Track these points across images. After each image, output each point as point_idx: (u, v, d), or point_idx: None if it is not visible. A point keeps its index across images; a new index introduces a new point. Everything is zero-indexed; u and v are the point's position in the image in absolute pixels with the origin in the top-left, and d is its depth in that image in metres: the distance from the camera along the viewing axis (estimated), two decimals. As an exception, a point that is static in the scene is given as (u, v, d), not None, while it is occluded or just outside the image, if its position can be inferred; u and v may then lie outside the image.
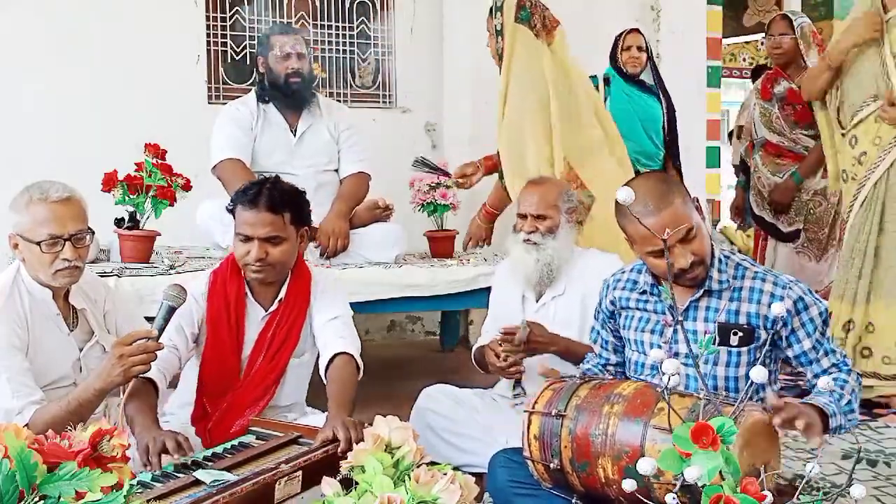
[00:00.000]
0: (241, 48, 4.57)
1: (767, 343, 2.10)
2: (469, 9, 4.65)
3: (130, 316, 2.57)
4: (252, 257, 2.37)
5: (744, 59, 8.38)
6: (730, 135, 5.56)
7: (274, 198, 2.39)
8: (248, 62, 4.57)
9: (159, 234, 3.32)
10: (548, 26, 3.38)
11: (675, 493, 1.46)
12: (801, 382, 3.47)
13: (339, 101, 3.82)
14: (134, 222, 3.24)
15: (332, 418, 2.15)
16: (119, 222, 3.27)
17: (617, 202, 1.75)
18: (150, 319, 2.39)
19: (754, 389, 1.94)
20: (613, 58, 4.23)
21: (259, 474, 1.89)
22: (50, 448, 1.52)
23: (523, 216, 2.78)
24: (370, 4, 4.84)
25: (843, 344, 3.38)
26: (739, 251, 3.32)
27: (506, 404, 2.82)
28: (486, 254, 3.87)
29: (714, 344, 2.08)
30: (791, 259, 4.28)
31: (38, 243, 2.25)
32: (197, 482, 1.86)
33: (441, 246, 3.78)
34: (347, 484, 1.80)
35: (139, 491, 1.73)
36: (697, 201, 2.20)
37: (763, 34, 5.24)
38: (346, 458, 1.86)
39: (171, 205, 3.20)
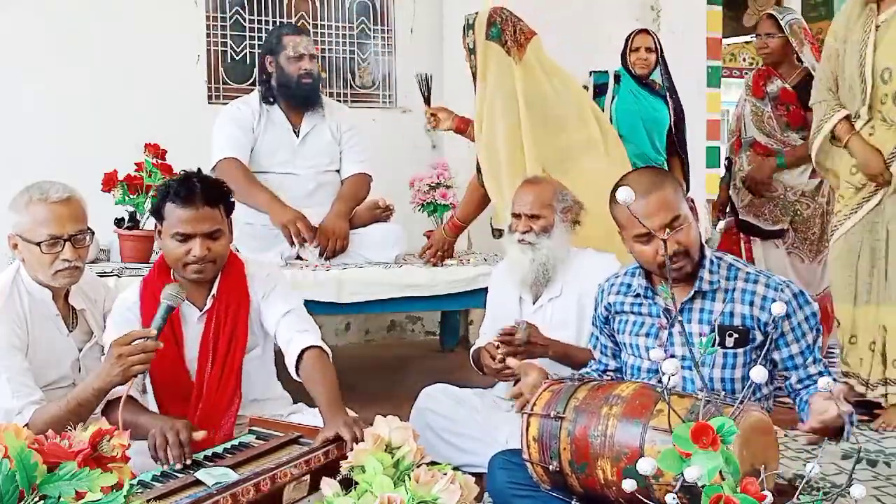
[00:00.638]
0: (241, 48, 4.57)
1: (760, 343, 2.09)
2: (469, 9, 4.64)
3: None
4: (195, 255, 2.29)
5: (744, 59, 8.38)
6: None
7: (209, 191, 2.32)
8: (248, 62, 4.57)
9: (159, 234, 3.32)
10: (519, 40, 3.35)
11: (675, 494, 1.46)
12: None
13: (339, 101, 3.82)
14: (134, 222, 3.24)
15: (331, 418, 2.14)
16: (119, 222, 3.27)
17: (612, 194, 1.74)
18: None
19: (752, 389, 1.94)
20: (623, 58, 4.22)
21: (259, 474, 1.89)
22: (50, 448, 1.52)
23: (518, 216, 2.78)
24: (370, 4, 4.84)
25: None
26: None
27: (505, 405, 2.82)
28: (486, 254, 3.87)
29: (714, 345, 2.08)
30: (783, 260, 4.20)
31: (38, 244, 2.25)
32: (197, 482, 1.86)
33: (441, 246, 3.78)
34: (347, 484, 1.80)
35: (139, 491, 1.73)
36: (692, 202, 2.19)
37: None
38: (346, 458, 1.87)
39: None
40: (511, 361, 2.56)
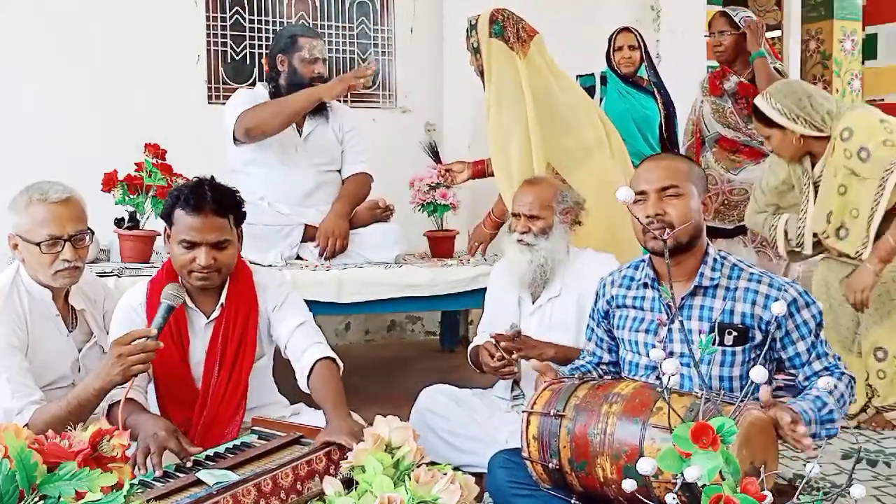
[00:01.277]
0: (241, 48, 4.57)
1: (762, 343, 2.09)
2: (469, 9, 4.64)
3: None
4: (200, 264, 2.28)
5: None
6: None
7: (219, 200, 2.31)
8: (248, 62, 4.57)
9: (159, 234, 3.30)
10: (522, 37, 3.38)
11: (676, 493, 1.46)
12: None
13: (339, 100, 3.81)
14: (134, 222, 3.24)
15: (334, 424, 2.13)
16: (119, 222, 3.27)
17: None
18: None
19: (750, 387, 1.94)
20: (608, 58, 4.23)
21: (260, 474, 1.89)
22: (50, 448, 1.52)
23: (517, 216, 2.78)
24: (370, 4, 4.84)
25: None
26: None
27: (505, 405, 2.82)
28: (486, 254, 3.87)
29: (714, 344, 2.08)
30: (751, 259, 4.17)
31: (38, 244, 2.25)
32: (198, 482, 1.85)
33: (441, 246, 3.78)
34: (347, 484, 1.80)
35: (139, 491, 1.73)
36: (709, 200, 2.19)
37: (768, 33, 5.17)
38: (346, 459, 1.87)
39: (171, 204, 3.20)
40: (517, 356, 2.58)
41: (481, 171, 3.74)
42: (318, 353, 2.35)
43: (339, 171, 3.69)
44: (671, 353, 2.12)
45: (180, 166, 3.26)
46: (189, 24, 4.42)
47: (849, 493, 1.43)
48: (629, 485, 1.49)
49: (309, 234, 3.48)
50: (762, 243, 4.11)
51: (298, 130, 3.58)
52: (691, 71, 5.25)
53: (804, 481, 1.59)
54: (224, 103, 3.97)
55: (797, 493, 1.52)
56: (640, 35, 4.23)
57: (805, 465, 1.55)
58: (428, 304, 3.70)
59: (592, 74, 4.26)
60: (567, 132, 3.37)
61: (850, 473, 1.57)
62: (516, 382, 2.81)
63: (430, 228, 3.83)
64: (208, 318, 2.40)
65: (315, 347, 2.37)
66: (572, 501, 2.00)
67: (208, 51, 4.49)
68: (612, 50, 4.20)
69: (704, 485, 1.38)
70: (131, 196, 3.16)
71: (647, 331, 2.22)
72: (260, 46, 4.58)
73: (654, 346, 2.14)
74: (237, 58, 4.56)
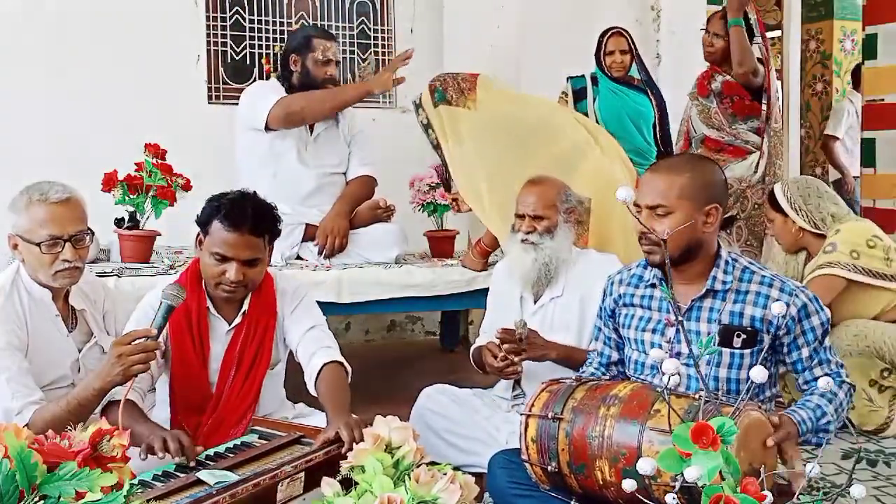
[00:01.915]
0: (241, 48, 4.57)
1: (769, 346, 2.10)
2: (469, 9, 4.65)
3: (130, 316, 2.56)
4: (229, 279, 2.30)
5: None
6: None
7: (258, 221, 2.32)
8: (248, 62, 4.57)
9: (159, 234, 3.32)
10: (465, 89, 3.44)
11: (675, 494, 1.46)
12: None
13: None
14: (134, 222, 3.24)
15: (334, 419, 2.14)
16: (119, 222, 3.27)
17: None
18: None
19: (754, 390, 1.94)
20: (598, 59, 4.22)
21: (261, 474, 1.89)
22: (50, 448, 1.52)
23: (521, 216, 2.78)
24: (370, 4, 4.84)
25: None
26: None
27: (505, 405, 2.82)
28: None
29: (714, 345, 2.08)
30: None
31: (38, 244, 2.25)
32: (198, 482, 1.85)
33: (441, 246, 3.78)
34: (347, 484, 1.80)
35: (139, 491, 1.73)
36: (717, 209, 2.15)
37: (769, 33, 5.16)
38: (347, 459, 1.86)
39: (171, 205, 3.20)
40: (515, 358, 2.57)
41: None
42: (325, 357, 2.36)
43: (345, 173, 3.69)
44: (678, 354, 2.12)
45: (180, 166, 3.26)
46: (189, 24, 4.42)
47: (849, 493, 1.43)
48: (629, 484, 1.49)
49: (310, 233, 3.49)
50: (747, 241, 4.14)
51: (309, 129, 3.58)
52: (691, 71, 5.24)
53: (804, 481, 1.59)
54: (224, 103, 3.99)
55: (797, 493, 1.52)
56: (630, 38, 4.20)
57: (805, 465, 1.56)
58: (428, 304, 3.70)
59: (583, 76, 4.25)
60: (550, 141, 3.39)
61: (850, 473, 1.57)
62: (517, 382, 2.80)
63: (430, 228, 3.83)
64: (230, 325, 2.41)
65: (323, 351, 2.38)
66: (572, 503, 2.00)
67: (208, 51, 4.49)
68: (602, 53, 4.19)
69: (704, 485, 1.38)
70: (131, 196, 3.16)
71: (653, 330, 2.22)
72: (260, 46, 4.59)
73: (660, 347, 2.14)
74: (237, 58, 4.57)
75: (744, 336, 2.10)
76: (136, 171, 3.19)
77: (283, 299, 2.48)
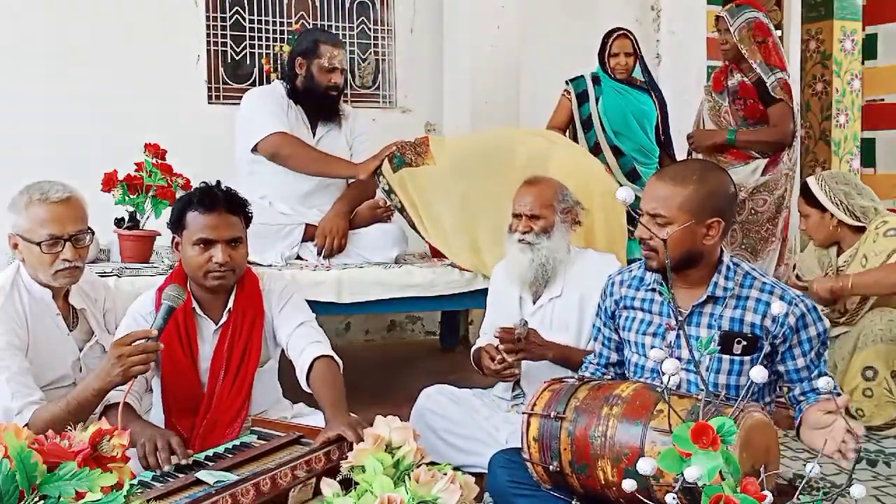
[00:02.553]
0: (241, 48, 4.57)
1: (766, 353, 2.08)
2: (469, 9, 4.65)
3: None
4: (217, 261, 2.32)
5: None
6: None
7: (231, 199, 2.39)
8: (248, 62, 4.57)
9: (159, 234, 3.31)
10: (420, 150, 3.47)
11: (675, 494, 1.46)
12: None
13: (344, 101, 3.80)
14: (134, 222, 3.24)
15: (333, 419, 2.14)
16: (119, 222, 3.26)
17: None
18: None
19: (756, 397, 1.94)
20: (602, 59, 4.21)
21: (260, 474, 1.88)
22: (50, 448, 1.52)
23: (518, 216, 2.78)
24: (370, 4, 4.84)
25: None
26: None
27: (505, 405, 2.82)
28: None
29: (714, 345, 2.07)
30: None
31: (38, 244, 2.25)
32: (197, 482, 1.85)
33: (441, 246, 3.78)
34: (347, 484, 1.80)
35: (139, 491, 1.73)
36: (720, 220, 2.11)
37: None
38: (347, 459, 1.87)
39: (171, 205, 3.19)
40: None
41: None
42: (316, 352, 2.36)
43: None
44: (679, 359, 2.11)
45: (180, 166, 3.26)
46: (189, 24, 4.42)
47: (849, 493, 1.43)
48: (629, 484, 1.49)
49: (309, 233, 3.48)
50: (741, 246, 4.12)
51: (312, 133, 3.58)
52: (691, 71, 5.26)
53: (804, 481, 1.59)
54: (224, 103, 3.98)
55: (797, 493, 1.52)
56: (635, 40, 4.19)
57: (805, 465, 1.55)
58: (428, 304, 3.70)
59: (582, 76, 4.24)
60: (509, 161, 3.42)
61: (850, 473, 1.57)
62: (517, 382, 2.80)
63: (430, 228, 3.82)
64: (217, 324, 2.42)
65: (314, 346, 2.39)
66: (573, 502, 2.00)
67: (208, 51, 4.49)
68: (607, 54, 4.17)
69: (704, 485, 1.38)
70: (131, 196, 3.16)
71: (654, 334, 2.21)
72: (260, 46, 4.58)
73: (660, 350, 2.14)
74: (237, 58, 4.56)
75: (744, 343, 2.09)
76: (135, 171, 3.18)
77: (271, 298, 2.49)
